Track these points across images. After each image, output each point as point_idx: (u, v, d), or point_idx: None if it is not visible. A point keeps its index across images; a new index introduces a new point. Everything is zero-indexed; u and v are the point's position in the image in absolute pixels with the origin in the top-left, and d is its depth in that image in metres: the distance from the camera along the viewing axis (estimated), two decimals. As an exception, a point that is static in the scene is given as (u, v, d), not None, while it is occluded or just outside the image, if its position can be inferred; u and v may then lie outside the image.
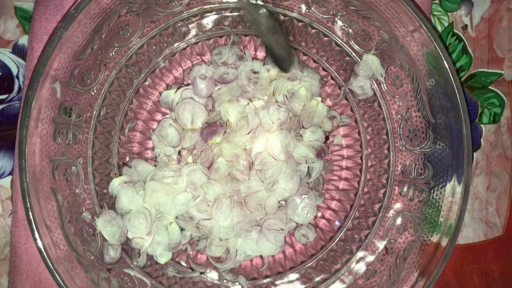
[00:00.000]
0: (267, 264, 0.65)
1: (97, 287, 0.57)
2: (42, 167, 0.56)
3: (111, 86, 0.63)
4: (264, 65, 0.66)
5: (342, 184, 0.68)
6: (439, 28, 0.73)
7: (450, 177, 0.57)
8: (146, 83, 0.66)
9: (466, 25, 0.73)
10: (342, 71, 0.66)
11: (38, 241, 0.54)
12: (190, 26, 0.65)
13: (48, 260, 0.54)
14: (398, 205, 0.62)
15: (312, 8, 0.63)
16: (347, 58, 0.65)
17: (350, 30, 0.63)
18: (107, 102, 0.63)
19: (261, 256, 0.66)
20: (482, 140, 0.73)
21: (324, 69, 0.67)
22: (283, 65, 0.60)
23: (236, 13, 0.65)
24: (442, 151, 0.58)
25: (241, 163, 0.61)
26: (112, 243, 0.60)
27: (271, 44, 0.58)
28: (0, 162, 0.69)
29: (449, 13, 0.73)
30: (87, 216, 0.60)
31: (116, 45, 0.62)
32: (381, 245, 0.62)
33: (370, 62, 0.62)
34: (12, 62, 0.71)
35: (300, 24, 0.65)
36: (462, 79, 0.73)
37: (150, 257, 0.63)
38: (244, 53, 0.66)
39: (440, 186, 0.58)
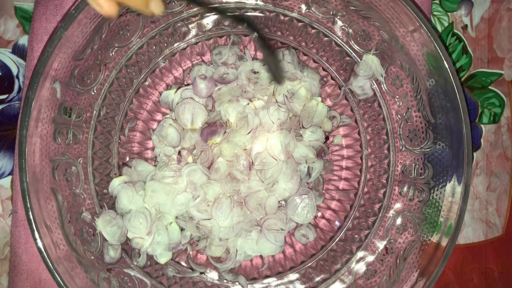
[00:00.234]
0: (267, 264, 0.65)
1: (97, 287, 0.57)
2: (42, 167, 0.56)
3: (111, 86, 0.63)
4: (264, 65, 0.66)
5: (342, 184, 0.68)
6: (439, 28, 0.73)
7: (450, 177, 0.57)
8: (146, 83, 0.66)
9: (466, 25, 0.73)
10: (342, 71, 0.66)
11: (38, 241, 0.54)
12: (190, 26, 0.65)
13: (48, 260, 0.54)
14: (398, 205, 0.62)
15: (312, 8, 0.63)
16: (347, 58, 0.65)
17: (350, 30, 0.63)
18: (107, 102, 0.63)
19: (261, 256, 0.66)
20: (482, 140, 0.73)
21: (324, 69, 0.67)
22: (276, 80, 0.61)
23: (236, 13, 0.65)
24: (442, 151, 0.58)
25: (241, 163, 0.61)
26: (112, 243, 0.60)
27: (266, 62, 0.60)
28: (0, 162, 0.69)
29: (449, 13, 0.73)
30: (87, 216, 0.60)
31: (116, 45, 0.62)
32: (381, 245, 0.62)
33: (370, 62, 0.62)
34: (12, 62, 0.71)
35: (300, 24, 0.65)
36: (462, 79, 0.73)
37: (150, 257, 0.63)
38: (244, 53, 0.66)
39: (440, 186, 0.58)
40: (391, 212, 0.63)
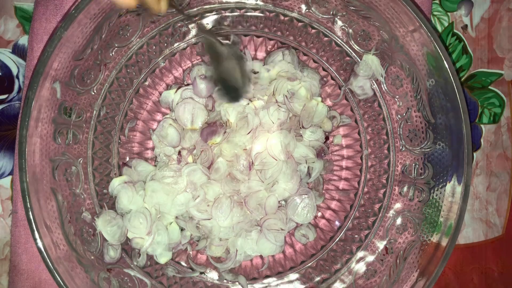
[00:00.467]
0: (267, 264, 0.65)
1: (97, 287, 0.57)
2: (42, 167, 0.56)
3: (111, 86, 0.63)
4: (264, 65, 0.66)
5: (342, 184, 0.68)
6: (439, 28, 0.73)
7: (450, 177, 0.57)
8: (146, 83, 0.66)
9: (466, 25, 0.73)
10: (342, 71, 0.66)
11: (38, 241, 0.54)
12: (190, 26, 0.65)
13: (48, 260, 0.54)
14: (398, 205, 0.62)
15: (312, 8, 0.63)
16: (347, 58, 0.65)
17: (350, 30, 0.63)
18: (107, 102, 0.63)
19: (261, 256, 0.66)
20: (482, 140, 0.73)
21: (324, 69, 0.67)
22: (234, 94, 0.59)
23: (236, 13, 0.65)
24: (442, 151, 0.58)
25: (241, 163, 0.61)
26: (112, 243, 0.60)
27: (225, 72, 0.59)
28: (0, 162, 0.69)
29: (449, 13, 0.73)
30: (87, 216, 0.60)
31: (116, 45, 0.62)
32: (381, 245, 0.62)
33: (370, 62, 0.62)
34: (12, 62, 0.71)
35: (300, 24, 0.65)
36: (462, 79, 0.73)
37: (150, 257, 0.63)
38: (244, 53, 0.66)
39: (440, 186, 0.58)
40: (391, 212, 0.63)
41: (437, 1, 0.73)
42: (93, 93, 0.62)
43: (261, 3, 0.64)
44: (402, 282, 0.58)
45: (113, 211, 0.62)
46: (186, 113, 0.63)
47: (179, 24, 0.64)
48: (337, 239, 0.65)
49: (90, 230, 0.60)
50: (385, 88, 0.63)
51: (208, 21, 0.66)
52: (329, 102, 0.68)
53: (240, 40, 0.67)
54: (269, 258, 0.66)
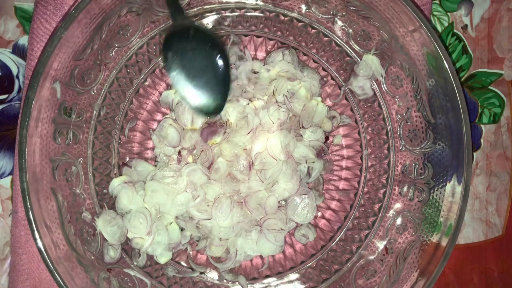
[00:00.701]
0: (267, 264, 0.65)
1: (97, 287, 0.57)
2: (42, 167, 0.56)
3: (111, 86, 0.63)
4: (264, 65, 0.66)
5: (342, 184, 0.68)
6: (439, 28, 0.73)
7: (450, 177, 0.57)
8: (146, 83, 0.66)
9: (466, 25, 0.73)
10: (342, 71, 0.66)
11: (38, 241, 0.54)
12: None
13: (48, 260, 0.54)
14: (398, 205, 0.62)
15: (312, 8, 0.63)
16: (347, 58, 0.65)
17: (350, 30, 0.63)
18: (107, 102, 0.63)
19: (261, 256, 0.66)
20: (482, 140, 0.73)
21: (324, 69, 0.67)
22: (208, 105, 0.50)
23: (236, 13, 0.65)
24: (442, 151, 0.58)
25: (241, 163, 0.61)
26: (112, 243, 0.60)
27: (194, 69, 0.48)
28: (0, 162, 0.69)
29: (449, 13, 0.73)
30: (87, 216, 0.60)
31: (116, 45, 0.62)
32: (381, 245, 0.62)
33: (370, 62, 0.62)
34: (12, 62, 0.71)
35: (300, 24, 0.65)
36: (462, 79, 0.73)
37: (150, 257, 0.63)
38: (244, 53, 0.66)
39: (440, 186, 0.58)
40: (391, 212, 0.63)
41: (437, 1, 0.73)
42: (93, 93, 0.62)
43: (261, 3, 0.64)
44: (402, 282, 0.58)
45: (113, 211, 0.62)
46: (186, 113, 0.63)
47: (179, 24, 0.64)
48: (337, 239, 0.65)
49: (90, 230, 0.60)
50: (385, 88, 0.63)
51: (208, 21, 0.66)
52: (329, 102, 0.68)
53: (240, 40, 0.67)
54: (269, 258, 0.66)
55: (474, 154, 0.72)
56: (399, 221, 0.62)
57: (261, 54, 0.68)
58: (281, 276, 0.65)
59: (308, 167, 0.65)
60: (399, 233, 0.61)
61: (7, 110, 0.70)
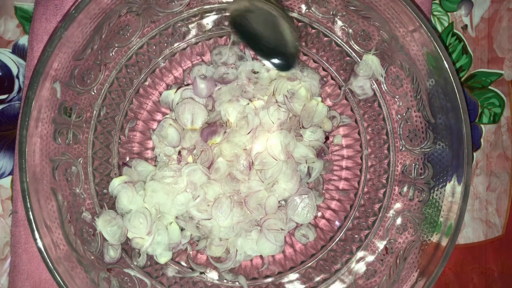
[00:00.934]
0: (267, 264, 0.65)
1: (97, 287, 0.57)
2: (42, 167, 0.56)
3: (111, 86, 0.63)
4: (264, 65, 0.66)
5: (342, 184, 0.68)
6: (439, 28, 0.73)
7: (450, 177, 0.57)
8: (146, 83, 0.66)
9: (466, 25, 0.73)
10: (342, 71, 0.66)
11: (38, 241, 0.54)
12: (190, 26, 0.65)
13: (48, 260, 0.54)
14: (398, 205, 0.62)
15: (312, 8, 0.63)
16: (347, 58, 0.65)
17: (350, 30, 0.63)
18: (107, 102, 0.63)
19: (261, 256, 0.66)
20: (482, 140, 0.73)
21: (324, 69, 0.67)
22: (282, 59, 0.55)
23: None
24: (442, 151, 0.58)
25: (241, 163, 0.61)
26: (112, 243, 0.60)
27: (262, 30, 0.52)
28: (0, 162, 0.69)
29: (449, 13, 0.73)
30: (87, 216, 0.60)
31: (116, 45, 0.62)
32: (381, 245, 0.62)
33: (370, 62, 0.62)
34: (12, 62, 0.71)
35: (300, 24, 0.65)
36: (462, 79, 0.73)
37: (150, 257, 0.63)
38: (244, 53, 0.66)
39: (440, 186, 0.58)
40: (391, 212, 0.63)
41: (437, 1, 0.73)
42: (93, 93, 0.62)
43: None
44: (402, 282, 0.58)
45: (113, 211, 0.62)
46: (186, 113, 0.63)
47: (179, 24, 0.64)
48: (337, 239, 0.65)
49: (90, 230, 0.60)
50: (385, 88, 0.63)
51: (208, 21, 0.66)
52: (329, 102, 0.68)
53: (240, 40, 0.67)
54: (269, 258, 0.66)
55: (474, 154, 0.72)
56: (399, 221, 0.62)
57: (261, 54, 0.68)
58: (281, 276, 0.65)
59: (308, 167, 0.65)
60: (399, 233, 0.61)
61: (7, 110, 0.70)
